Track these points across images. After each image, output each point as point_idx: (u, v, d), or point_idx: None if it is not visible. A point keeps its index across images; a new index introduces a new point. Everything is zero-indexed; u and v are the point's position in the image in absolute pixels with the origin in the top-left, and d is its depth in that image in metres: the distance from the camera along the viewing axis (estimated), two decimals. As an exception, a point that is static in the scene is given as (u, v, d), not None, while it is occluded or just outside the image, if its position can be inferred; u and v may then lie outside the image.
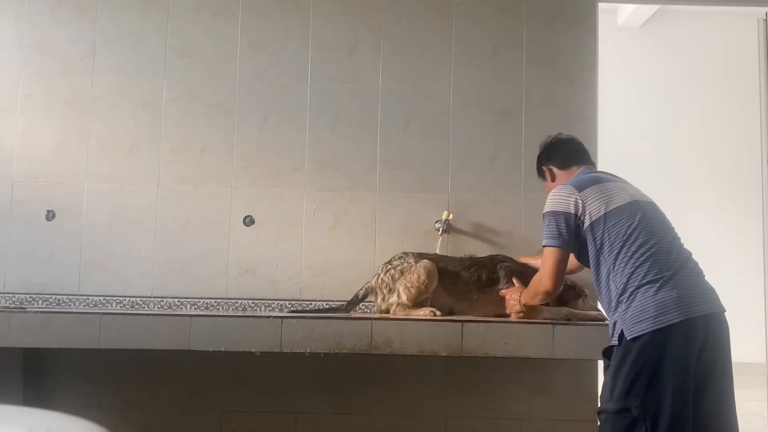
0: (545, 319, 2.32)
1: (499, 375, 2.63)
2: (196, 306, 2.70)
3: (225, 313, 2.55)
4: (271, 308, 2.70)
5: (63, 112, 2.80)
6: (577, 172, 2.21)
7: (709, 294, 1.93)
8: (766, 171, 3.14)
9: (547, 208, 2.08)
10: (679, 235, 2.12)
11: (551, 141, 2.36)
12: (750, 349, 5.14)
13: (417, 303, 2.37)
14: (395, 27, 2.82)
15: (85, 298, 2.70)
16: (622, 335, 1.87)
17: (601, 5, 2.89)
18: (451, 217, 2.70)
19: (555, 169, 2.28)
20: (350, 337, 2.12)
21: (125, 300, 2.71)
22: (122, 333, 2.15)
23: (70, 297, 2.71)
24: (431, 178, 2.77)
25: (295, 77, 2.81)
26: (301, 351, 2.11)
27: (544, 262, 2.07)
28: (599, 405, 1.94)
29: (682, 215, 5.52)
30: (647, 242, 1.93)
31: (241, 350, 2.11)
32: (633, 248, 1.92)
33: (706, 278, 2.00)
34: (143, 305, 2.70)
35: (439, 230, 2.71)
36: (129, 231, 2.75)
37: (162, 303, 2.71)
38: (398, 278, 2.41)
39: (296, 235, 2.76)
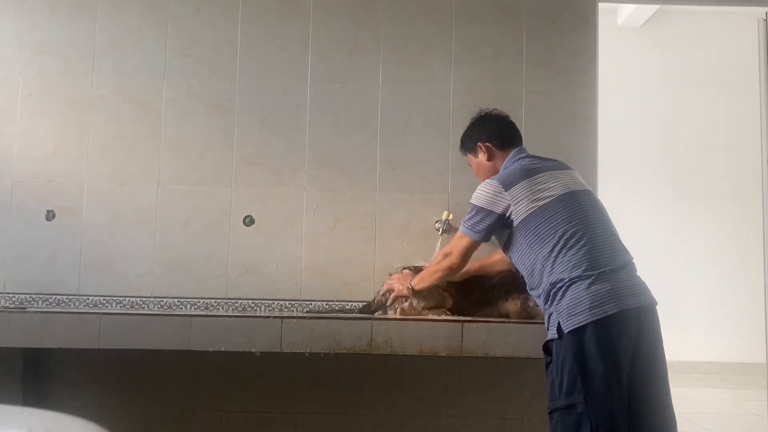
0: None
1: (499, 375, 2.63)
2: (196, 306, 2.70)
3: (225, 313, 2.55)
4: (271, 308, 2.70)
5: (63, 112, 2.80)
6: (511, 154, 2.20)
7: (641, 288, 1.94)
8: (766, 171, 3.14)
9: (474, 200, 2.09)
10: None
11: (486, 115, 2.31)
12: (750, 349, 5.15)
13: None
14: (395, 27, 2.83)
15: (85, 298, 2.71)
16: (560, 329, 1.87)
17: (601, 5, 2.89)
18: (451, 217, 2.70)
19: (493, 148, 2.24)
20: (350, 337, 2.12)
21: (125, 300, 2.71)
22: (122, 333, 2.15)
23: (70, 297, 2.71)
24: (431, 178, 2.77)
25: (295, 77, 2.81)
26: (301, 351, 2.11)
27: (457, 243, 2.15)
28: (549, 404, 1.90)
29: (682, 215, 5.58)
30: (582, 237, 1.93)
31: (241, 350, 2.11)
32: (569, 243, 1.92)
33: (640, 275, 2.00)
34: (143, 305, 2.70)
35: (439, 230, 2.71)
36: (129, 231, 2.75)
37: (162, 303, 2.71)
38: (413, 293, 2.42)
39: (296, 235, 2.76)
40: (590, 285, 1.86)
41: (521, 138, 2.29)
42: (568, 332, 1.85)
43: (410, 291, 2.28)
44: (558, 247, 1.93)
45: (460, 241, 2.15)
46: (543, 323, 2.25)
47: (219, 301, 2.71)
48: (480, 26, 2.83)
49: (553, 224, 1.95)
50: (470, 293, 2.46)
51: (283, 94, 2.80)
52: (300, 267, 2.74)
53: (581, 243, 1.92)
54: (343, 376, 2.63)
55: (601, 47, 2.87)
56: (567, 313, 1.86)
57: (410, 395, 2.64)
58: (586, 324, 1.82)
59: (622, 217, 5.61)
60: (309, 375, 2.61)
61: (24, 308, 2.57)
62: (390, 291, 2.38)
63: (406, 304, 2.41)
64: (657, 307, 1.95)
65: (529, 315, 2.36)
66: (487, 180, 2.12)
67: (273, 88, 2.81)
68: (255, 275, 2.73)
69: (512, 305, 2.40)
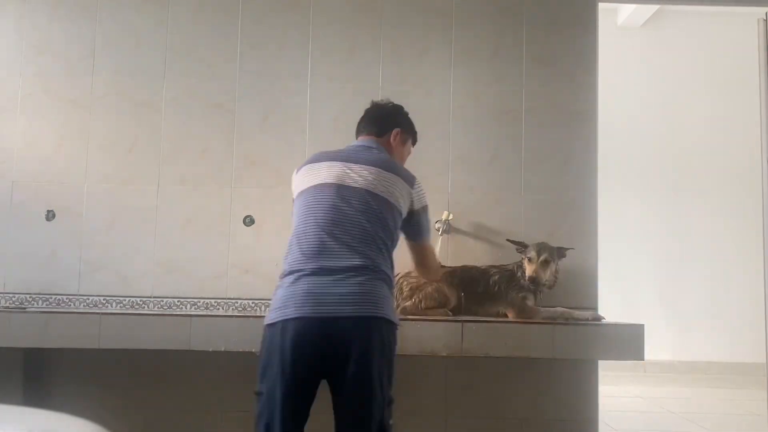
0: (544, 319, 2.33)
1: (499, 375, 2.63)
2: (196, 306, 2.70)
3: (225, 313, 2.55)
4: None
5: (63, 112, 2.80)
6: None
7: (338, 297, 1.79)
8: (766, 170, 3.14)
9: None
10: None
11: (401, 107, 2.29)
12: (750, 349, 5.15)
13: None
14: (395, 27, 2.82)
15: (85, 298, 2.70)
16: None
17: (601, 5, 2.89)
18: (451, 217, 2.70)
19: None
20: (350, 337, 2.11)
21: (125, 300, 2.71)
22: (122, 333, 2.16)
23: (70, 297, 2.71)
24: (431, 178, 2.76)
25: (295, 77, 2.81)
26: (301, 351, 2.11)
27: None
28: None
29: (682, 215, 5.58)
30: (299, 235, 1.92)
31: (241, 350, 2.11)
32: (292, 233, 1.95)
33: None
34: (143, 305, 2.70)
35: (439, 230, 2.70)
36: (129, 231, 2.75)
37: (162, 303, 2.71)
38: (416, 292, 2.42)
39: (296, 235, 2.75)
40: (288, 286, 1.83)
41: (373, 128, 2.19)
42: (265, 325, 1.86)
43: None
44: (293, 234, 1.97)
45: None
46: (543, 323, 2.26)
47: (219, 301, 2.71)
48: (480, 26, 2.83)
49: (295, 215, 2.01)
50: (474, 288, 2.47)
51: (283, 94, 2.80)
52: (300, 267, 2.73)
53: (297, 238, 1.91)
54: (343, 376, 2.62)
55: (601, 47, 2.86)
56: (270, 308, 1.87)
57: (410, 395, 2.64)
58: (274, 322, 1.81)
59: (623, 216, 5.65)
60: (309, 375, 2.61)
61: (24, 308, 2.57)
62: None
63: (408, 304, 2.41)
64: (366, 318, 1.81)
65: (528, 315, 2.36)
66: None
67: (273, 88, 2.80)
68: (255, 275, 2.73)
69: (511, 305, 2.41)
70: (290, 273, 1.84)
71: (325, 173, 1.96)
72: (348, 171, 1.95)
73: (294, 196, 2.04)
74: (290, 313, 1.78)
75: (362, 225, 1.87)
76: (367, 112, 2.23)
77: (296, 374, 1.80)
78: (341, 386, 1.82)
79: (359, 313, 1.79)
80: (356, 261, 1.82)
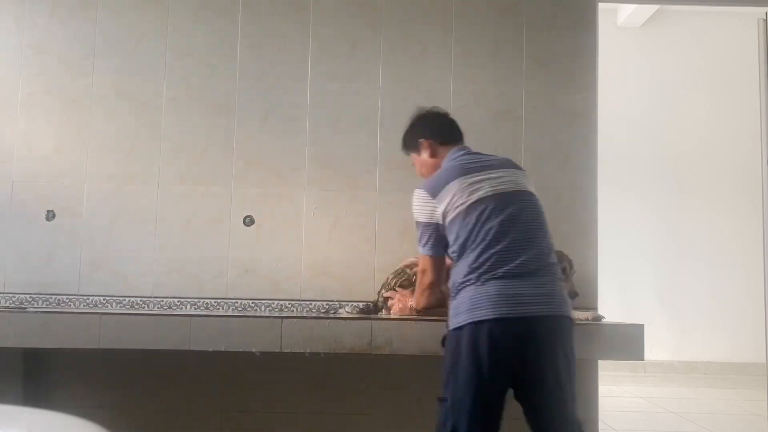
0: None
1: (499, 375, 2.63)
2: (196, 306, 2.70)
3: (225, 313, 2.55)
4: (271, 308, 2.70)
5: (63, 112, 2.80)
6: (451, 151, 2.15)
7: (539, 297, 1.85)
8: (766, 171, 3.14)
9: (417, 217, 2.05)
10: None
11: (426, 113, 2.28)
12: (750, 349, 5.16)
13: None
14: (395, 27, 2.83)
15: (85, 298, 2.70)
16: (448, 326, 1.93)
17: (601, 5, 2.89)
18: (451, 217, 2.69)
19: (435, 144, 2.19)
20: (350, 337, 2.12)
21: (125, 300, 2.71)
22: (122, 333, 2.15)
23: (70, 297, 2.71)
24: (431, 178, 2.77)
25: (295, 77, 2.81)
26: (301, 351, 2.11)
27: (423, 262, 2.11)
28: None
29: (682, 215, 5.58)
30: (483, 240, 1.89)
31: (241, 350, 2.11)
32: (471, 246, 1.90)
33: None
34: (143, 305, 2.70)
35: (439, 230, 2.70)
36: (129, 231, 2.75)
37: (162, 303, 2.71)
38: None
39: (296, 235, 2.76)
40: (476, 288, 1.85)
41: (462, 135, 2.22)
42: (451, 330, 1.90)
43: (414, 311, 2.25)
44: (462, 250, 1.92)
45: (424, 259, 2.11)
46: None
47: (219, 301, 2.71)
48: (480, 26, 2.83)
49: (468, 227, 1.91)
50: None
51: (283, 94, 2.80)
52: (300, 267, 2.74)
53: (482, 246, 1.88)
54: (343, 376, 2.63)
55: (601, 47, 2.87)
56: (453, 312, 1.90)
57: (410, 395, 2.64)
58: (464, 325, 1.85)
59: (622, 216, 5.64)
60: (309, 375, 2.61)
61: (24, 308, 2.57)
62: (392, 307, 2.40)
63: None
64: (564, 318, 1.88)
65: None
66: (415, 191, 2.07)
67: (273, 88, 2.80)
68: (255, 275, 2.73)
69: None
70: (480, 276, 1.85)
71: (481, 187, 1.96)
72: (499, 177, 2.00)
73: (446, 220, 1.97)
74: (484, 314, 1.81)
75: (538, 223, 1.97)
76: (450, 120, 2.26)
77: (494, 378, 1.84)
78: (539, 389, 1.89)
79: (559, 312, 1.87)
80: (548, 260, 1.93)
